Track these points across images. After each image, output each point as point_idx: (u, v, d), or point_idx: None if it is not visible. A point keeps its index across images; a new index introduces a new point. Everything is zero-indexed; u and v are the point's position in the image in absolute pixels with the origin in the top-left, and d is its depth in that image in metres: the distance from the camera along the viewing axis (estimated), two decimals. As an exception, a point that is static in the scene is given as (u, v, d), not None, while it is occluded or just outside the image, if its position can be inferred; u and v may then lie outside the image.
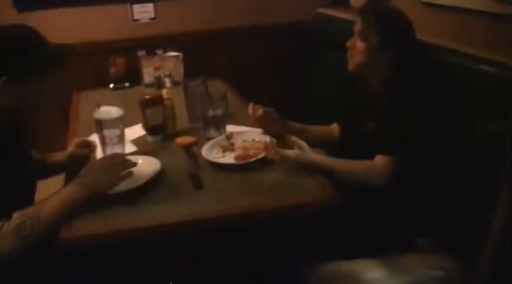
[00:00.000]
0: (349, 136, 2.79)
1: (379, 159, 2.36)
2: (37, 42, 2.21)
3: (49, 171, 2.62)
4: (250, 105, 2.78)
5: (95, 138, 2.68)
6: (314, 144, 2.62)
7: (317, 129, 2.96)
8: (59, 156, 2.61)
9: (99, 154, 2.56)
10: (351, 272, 2.29)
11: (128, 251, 2.17)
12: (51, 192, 2.17)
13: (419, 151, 2.33)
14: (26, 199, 2.31)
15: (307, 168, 2.38)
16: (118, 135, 2.54)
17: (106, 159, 2.31)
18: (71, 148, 2.59)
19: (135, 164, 2.26)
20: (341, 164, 2.40)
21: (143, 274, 2.29)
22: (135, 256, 2.22)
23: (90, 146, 2.58)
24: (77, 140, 2.62)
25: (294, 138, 2.45)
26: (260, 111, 2.71)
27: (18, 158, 2.30)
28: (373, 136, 2.50)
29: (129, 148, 2.66)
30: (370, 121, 2.57)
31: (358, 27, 2.57)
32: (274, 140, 2.45)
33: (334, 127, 2.96)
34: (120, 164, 2.23)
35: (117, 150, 2.53)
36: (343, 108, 2.88)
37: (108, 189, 2.18)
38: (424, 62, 2.53)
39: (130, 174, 2.23)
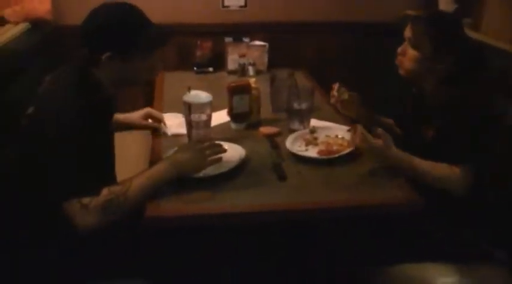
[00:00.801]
0: (408, 140, 2.76)
1: (458, 169, 2.31)
2: (142, 22, 2.28)
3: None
4: (335, 86, 2.79)
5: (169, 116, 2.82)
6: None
7: (388, 122, 2.95)
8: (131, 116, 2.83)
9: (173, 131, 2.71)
10: (422, 275, 2.28)
11: (201, 234, 2.23)
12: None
13: (496, 161, 2.31)
14: (109, 174, 2.40)
15: (388, 162, 2.38)
16: (205, 120, 2.57)
17: (197, 142, 2.36)
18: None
19: (225, 150, 2.31)
20: (423, 164, 2.36)
21: (207, 256, 2.37)
22: (204, 239, 2.28)
23: (159, 121, 2.75)
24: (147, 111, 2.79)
25: (380, 130, 2.44)
26: (346, 95, 2.75)
27: (109, 132, 2.38)
28: (432, 146, 2.47)
29: (213, 133, 2.69)
30: (429, 129, 2.54)
31: (408, 34, 2.52)
32: (364, 129, 2.42)
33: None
34: (210, 148, 2.28)
35: (203, 134, 2.57)
36: (404, 112, 2.86)
37: (196, 172, 2.24)
38: (484, 68, 2.48)
39: (219, 159, 2.28)
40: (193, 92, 2.60)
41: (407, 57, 2.51)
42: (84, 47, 2.23)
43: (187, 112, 2.56)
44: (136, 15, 2.29)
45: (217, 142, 2.38)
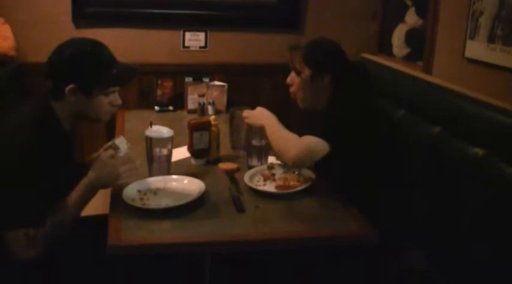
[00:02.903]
0: None
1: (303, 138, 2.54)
2: (108, 58, 2.35)
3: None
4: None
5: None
6: None
7: None
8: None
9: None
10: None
11: (163, 263, 2.28)
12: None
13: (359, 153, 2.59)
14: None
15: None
16: (166, 154, 2.63)
17: (109, 160, 2.43)
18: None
19: (136, 167, 2.47)
20: (276, 132, 2.66)
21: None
22: (168, 269, 2.33)
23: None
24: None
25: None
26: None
27: (70, 165, 2.42)
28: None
29: (174, 168, 2.75)
30: None
31: (290, 64, 2.82)
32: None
33: None
34: (123, 165, 2.41)
35: (164, 168, 2.63)
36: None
37: (110, 185, 2.42)
38: (358, 78, 2.94)
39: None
40: (155, 127, 2.66)
41: (295, 85, 2.83)
42: (49, 79, 2.29)
43: (148, 146, 2.61)
44: (103, 51, 2.35)
45: (174, 176, 2.54)
